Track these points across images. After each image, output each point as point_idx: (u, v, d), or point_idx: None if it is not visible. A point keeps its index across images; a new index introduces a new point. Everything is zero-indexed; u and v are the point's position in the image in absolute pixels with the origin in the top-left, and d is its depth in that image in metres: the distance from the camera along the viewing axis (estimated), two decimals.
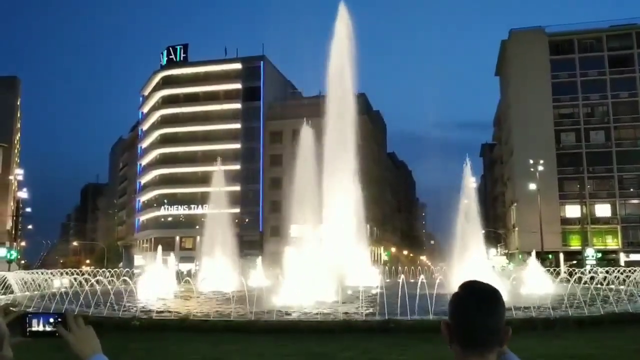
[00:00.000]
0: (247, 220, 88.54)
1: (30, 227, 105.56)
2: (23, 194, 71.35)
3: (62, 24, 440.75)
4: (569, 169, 77.60)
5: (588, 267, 41.51)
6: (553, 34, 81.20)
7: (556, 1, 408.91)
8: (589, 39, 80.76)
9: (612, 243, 75.33)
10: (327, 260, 26.82)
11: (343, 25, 38.30)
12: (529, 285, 28.54)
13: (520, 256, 71.59)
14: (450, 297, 1.89)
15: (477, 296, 1.83)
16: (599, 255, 64.01)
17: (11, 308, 2.22)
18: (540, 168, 61.20)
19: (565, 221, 76.22)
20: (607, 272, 30.75)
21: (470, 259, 30.00)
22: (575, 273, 26.69)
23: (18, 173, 69.55)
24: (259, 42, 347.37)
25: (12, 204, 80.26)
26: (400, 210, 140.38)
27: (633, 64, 78.20)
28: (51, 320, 1.94)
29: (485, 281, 1.89)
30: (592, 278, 24.08)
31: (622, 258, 70.31)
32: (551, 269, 33.40)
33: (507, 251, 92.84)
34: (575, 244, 73.18)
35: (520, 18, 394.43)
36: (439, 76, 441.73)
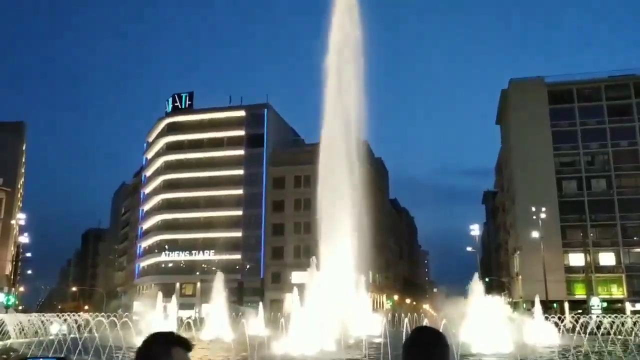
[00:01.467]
0: (248, 266, 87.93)
1: (29, 272, 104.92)
2: (24, 239, 71.17)
3: (69, 69, 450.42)
4: (571, 216, 77.45)
5: (594, 317, 40.84)
6: (552, 84, 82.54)
7: (554, 51, 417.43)
8: (588, 88, 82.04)
9: (617, 292, 74.39)
10: (329, 309, 26.48)
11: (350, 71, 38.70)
12: (534, 335, 28.03)
13: (524, 305, 70.55)
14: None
15: (423, 339, 2.23)
16: (605, 304, 63.11)
17: (11, 353, 2.26)
18: (543, 216, 61.10)
19: (569, 269, 75.51)
20: (612, 322, 30.23)
21: (474, 307, 29.54)
22: (581, 324, 26.26)
23: (20, 217, 69.55)
24: (263, 89, 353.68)
25: (12, 248, 79.93)
26: (402, 257, 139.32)
27: (632, 113, 79.13)
28: None
29: (432, 327, 2.27)
30: (598, 327, 23.69)
31: (628, 307, 69.26)
32: (556, 317, 32.84)
33: (511, 299, 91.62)
34: (580, 293, 72.25)
35: (520, 66, 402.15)
36: (441, 123, 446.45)
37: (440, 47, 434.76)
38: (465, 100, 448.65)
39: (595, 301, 60.27)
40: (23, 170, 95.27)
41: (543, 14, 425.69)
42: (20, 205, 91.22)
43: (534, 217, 60.76)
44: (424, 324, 25.94)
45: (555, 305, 65.48)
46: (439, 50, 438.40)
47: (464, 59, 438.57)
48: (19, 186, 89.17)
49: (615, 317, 32.06)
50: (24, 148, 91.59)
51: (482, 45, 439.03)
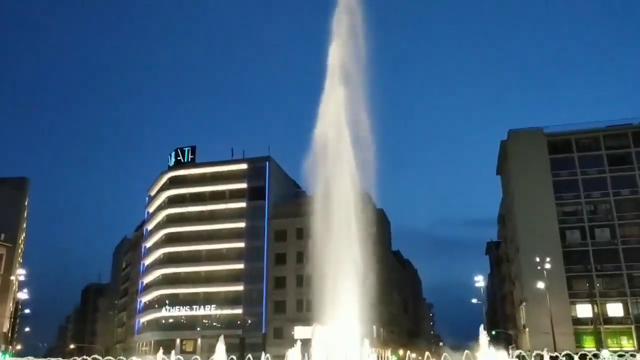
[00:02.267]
0: (249, 321, 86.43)
1: (27, 329, 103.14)
2: (23, 295, 70.33)
3: (71, 124, 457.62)
4: (576, 266, 76.65)
5: None
6: (551, 134, 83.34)
7: (552, 102, 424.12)
8: (587, 138, 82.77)
9: (627, 344, 72.69)
10: None
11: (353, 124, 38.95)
12: None
13: (532, 358, 68.85)
14: None
15: None
16: (616, 357, 61.54)
17: None
18: (547, 266, 60.45)
19: (577, 321, 74.11)
20: None
21: None
22: None
23: (20, 273, 68.94)
24: (265, 141, 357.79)
25: (11, 304, 78.93)
26: (407, 310, 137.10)
27: (632, 162, 79.54)
28: None
29: None
30: None
31: None
32: None
33: (519, 352, 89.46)
34: (589, 346, 70.61)
35: (519, 115, 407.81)
36: (441, 174, 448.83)
37: (439, 97, 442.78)
38: (464, 150, 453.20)
39: (605, 354, 58.77)
40: (25, 226, 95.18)
41: (539, 67, 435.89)
42: (21, 260, 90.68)
43: (539, 267, 60.10)
44: None
45: (564, 358, 63.86)
46: (439, 101, 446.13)
47: (464, 107, 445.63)
48: (20, 241, 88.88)
49: None
50: (26, 203, 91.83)
51: (481, 95, 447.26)
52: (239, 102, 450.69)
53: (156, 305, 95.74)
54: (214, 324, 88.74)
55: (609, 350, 61.58)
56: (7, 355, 57.38)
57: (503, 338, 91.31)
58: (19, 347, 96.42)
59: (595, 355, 50.26)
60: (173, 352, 50.52)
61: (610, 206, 78.71)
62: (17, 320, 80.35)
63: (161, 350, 38.37)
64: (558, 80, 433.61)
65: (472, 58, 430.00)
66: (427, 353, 32.12)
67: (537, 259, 60.94)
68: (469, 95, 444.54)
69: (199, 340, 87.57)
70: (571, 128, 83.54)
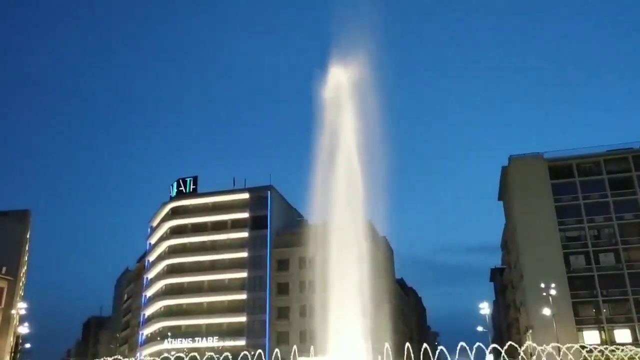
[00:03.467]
0: (253, 353, 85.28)
1: None
2: (24, 329, 69.58)
3: (72, 156, 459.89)
4: (582, 292, 75.96)
5: None
6: (552, 159, 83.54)
7: (552, 128, 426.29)
8: (588, 163, 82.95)
9: None
10: None
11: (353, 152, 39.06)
12: None
13: None
14: None
15: None
16: None
17: None
18: (553, 292, 59.92)
19: (585, 348, 73.02)
20: None
21: None
22: None
23: (21, 307, 68.34)
24: (267, 170, 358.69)
25: (11, 339, 78.07)
26: (412, 339, 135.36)
27: (633, 186, 79.52)
28: None
29: None
30: None
31: None
32: None
33: None
34: None
35: (519, 142, 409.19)
36: (441, 201, 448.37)
37: (438, 125, 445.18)
38: (465, 177, 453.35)
39: None
40: (26, 259, 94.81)
41: (538, 91, 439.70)
42: (22, 294, 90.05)
43: (544, 293, 59.55)
44: None
45: None
46: (438, 126, 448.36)
47: (464, 135, 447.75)
48: (21, 274, 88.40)
49: None
50: (27, 236, 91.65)
51: (480, 121, 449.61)
52: (240, 132, 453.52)
53: (158, 338, 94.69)
54: (217, 356, 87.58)
55: None
56: None
57: None
58: None
59: None
60: None
61: (613, 230, 78.40)
62: (18, 355, 79.31)
63: None
64: (557, 104, 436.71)
65: (469, 82, 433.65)
66: None
67: (542, 285, 60.45)
68: (468, 121, 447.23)
69: None
70: (571, 153, 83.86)
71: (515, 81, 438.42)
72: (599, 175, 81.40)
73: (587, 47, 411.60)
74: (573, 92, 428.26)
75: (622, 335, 73.63)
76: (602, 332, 71.34)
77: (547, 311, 59.53)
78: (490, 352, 31.23)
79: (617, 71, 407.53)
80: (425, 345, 30.29)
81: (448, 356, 28.91)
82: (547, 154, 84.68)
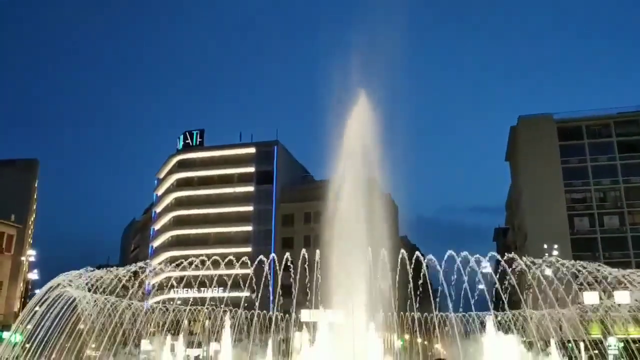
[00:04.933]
0: (257, 304, 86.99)
1: (37, 309, 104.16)
2: (33, 275, 71.02)
3: (80, 107, 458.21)
4: (585, 254, 76.26)
5: (611, 357, 39.82)
6: (561, 120, 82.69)
7: (562, 88, 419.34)
8: (597, 125, 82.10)
9: (634, 332, 72.60)
10: (339, 349, 26.01)
11: (361, 110, 38.65)
12: None
13: (539, 345, 69.00)
14: None
15: None
16: (622, 344, 61.50)
17: None
18: (555, 253, 60.26)
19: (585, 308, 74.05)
20: None
21: (488, 347, 28.97)
22: None
23: (30, 254, 69.57)
24: (273, 125, 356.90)
25: (21, 285, 79.80)
26: (414, 295, 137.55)
27: None
28: None
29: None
30: None
31: None
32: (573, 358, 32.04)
33: (524, 339, 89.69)
34: (595, 333, 70.63)
35: (529, 103, 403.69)
36: (447, 160, 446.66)
37: (446, 84, 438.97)
38: (472, 136, 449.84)
39: (612, 341, 58.76)
40: (34, 207, 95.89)
41: (550, 48, 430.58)
42: (31, 241, 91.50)
43: (547, 254, 59.95)
44: None
45: (570, 345, 63.96)
46: (447, 86, 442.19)
47: (473, 94, 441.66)
48: (30, 223, 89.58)
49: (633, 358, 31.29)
50: (36, 185, 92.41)
51: (490, 80, 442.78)
52: (247, 86, 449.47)
53: (165, 287, 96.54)
54: (222, 306, 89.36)
55: (616, 337, 61.62)
56: (16, 335, 58.11)
57: (508, 325, 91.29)
58: (29, 326, 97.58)
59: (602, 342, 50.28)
60: (181, 334, 51.03)
61: (619, 193, 78.27)
62: (28, 301, 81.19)
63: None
64: (569, 66, 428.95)
65: (480, 43, 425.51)
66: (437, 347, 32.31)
67: (545, 246, 60.81)
68: (477, 79, 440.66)
69: (207, 322, 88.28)
70: (581, 114, 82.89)
71: (526, 40, 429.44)
72: (608, 137, 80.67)
73: (604, 14, 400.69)
74: (590, 55, 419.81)
75: (622, 296, 74.27)
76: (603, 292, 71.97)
77: (548, 272, 60.05)
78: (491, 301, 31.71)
79: (635, 36, 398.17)
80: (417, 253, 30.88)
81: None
82: (557, 114, 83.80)
